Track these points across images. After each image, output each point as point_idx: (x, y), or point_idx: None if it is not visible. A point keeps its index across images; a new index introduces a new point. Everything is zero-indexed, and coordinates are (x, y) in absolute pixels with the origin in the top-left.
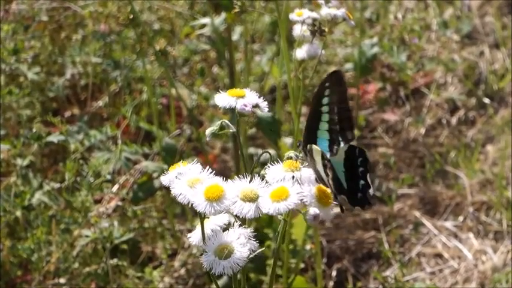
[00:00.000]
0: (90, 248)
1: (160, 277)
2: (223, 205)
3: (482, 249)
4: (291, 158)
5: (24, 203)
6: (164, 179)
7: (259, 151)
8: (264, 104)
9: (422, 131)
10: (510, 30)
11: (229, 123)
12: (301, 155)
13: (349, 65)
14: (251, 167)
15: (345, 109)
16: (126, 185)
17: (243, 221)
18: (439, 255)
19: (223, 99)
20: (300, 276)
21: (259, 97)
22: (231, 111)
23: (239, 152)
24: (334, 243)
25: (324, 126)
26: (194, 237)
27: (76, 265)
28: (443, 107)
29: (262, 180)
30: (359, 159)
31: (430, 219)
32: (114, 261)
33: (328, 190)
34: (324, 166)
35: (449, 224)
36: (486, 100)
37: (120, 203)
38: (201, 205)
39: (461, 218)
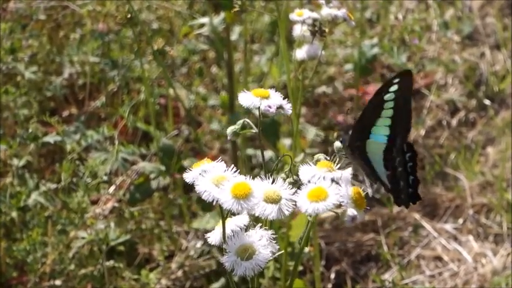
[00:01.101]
0: (86, 250)
1: (157, 279)
2: (250, 203)
3: (482, 252)
4: (320, 159)
5: (19, 203)
6: (188, 176)
7: (258, 152)
8: (288, 106)
9: (422, 132)
10: (511, 32)
11: (251, 123)
12: (340, 152)
13: (349, 66)
14: (272, 169)
15: (408, 107)
16: (123, 186)
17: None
18: (438, 258)
19: (247, 98)
20: (298, 279)
21: (283, 99)
22: (229, 111)
23: (246, 151)
24: (333, 245)
25: (383, 122)
26: (213, 237)
27: (72, 267)
28: (444, 108)
29: (284, 181)
30: (407, 155)
31: (430, 221)
32: (111, 263)
33: (363, 191)
34: (390, 160)
35: (449, 227)
36: (487, 101)
37: (116, 204)
38: (227, 202)
39: (461, 221)
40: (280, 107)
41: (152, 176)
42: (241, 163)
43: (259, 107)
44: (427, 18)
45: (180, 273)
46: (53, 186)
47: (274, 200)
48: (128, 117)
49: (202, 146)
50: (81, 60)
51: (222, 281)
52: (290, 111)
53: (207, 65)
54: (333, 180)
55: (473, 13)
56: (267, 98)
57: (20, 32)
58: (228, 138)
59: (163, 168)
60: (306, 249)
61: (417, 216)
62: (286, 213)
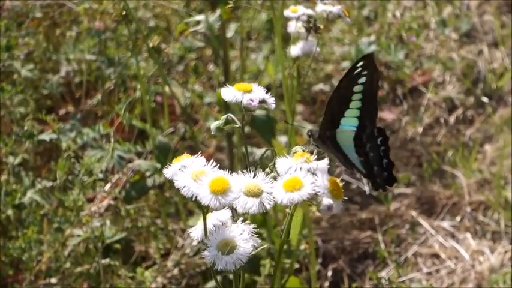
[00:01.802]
0: (82, 248)
1: (153, 277)
2: (228, 198)
3: (480, 250)
4: (297, 151)
5: (15, 201)
6: (167, 172)
7: (255, 150)
8: (271, 100)
9: (420, 130)
10: (509, 29)
11: (235, 118)
12: (312, 143)
13: (346, 63)
14: (247, 165)
15: (374, 95)
16: (119, 184)
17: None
18: (435, 256)
19: (229, 93)
20: (293, 277)
21: (266, 92)
22: (226, 108)
23: (238, 149)
24: (329, 243)
25: (352, 113)
26: (196, 232)
27: (68, 265)
28: (441, 105)
29: (266, 176)
30: (379, 139)
31: (427, 219)
32: (106, 261)
33: (340, 182)
34: (361, 147)
35: (446, 224)
36: (484, 99)
37: (112, 202)
38: (205, 198)
39: (458, 218)
40: (262, 101)
41: (148, 173)
42: (238, 161)
43: (241, 101)
44: (424, 16)
45: (176, 271)
46: (49, 184)
47: (256, 194)
48: (124, 115)
49: (199, 143)
50: (77, 58)
51: (218, 278)
52: (273, 105)
53: (203, 62)
54: (309, 170)
55: (471, 11)
56: (249, 92)
57: (16, 30)
58: (212, 133)
59: (159, 166)
60: (302, 247)
61: (414, 213)
62: (268, 206)
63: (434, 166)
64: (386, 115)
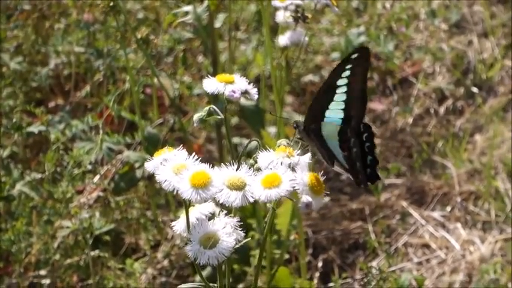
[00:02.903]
0: (71, 240)
1: (143, 268)
2: (209, 192)
3: (470, 240)
4: (281, 145)
5: (4, 193)
6: (148, 165)
7: (244, 141)
8: (253, 91)
9: (410, 120)
10: (499, 19)
11: (217, 110)
12: (297, 136)
13: (335, 54)
14: (236, 157)
15: (362, 88)
16: (108, 175)
17: (228, 211)
18: (426, 246)
19: (211, 84)
20: (283, 268)
21: (248, 83)
22: (215, 100)
23: (226, 140)
24: (320, 233)
25: (337, 105)
26: (178, 226)
27: (57, 257)
28: (431, 96)
29: (250, 168)
30: (364, 135)
31: (417, 209)
32: (96, 252)
33: (321, 177)
34: (345, 141)
35: (436, 214)
36: (474, 89)
37: (101, 194)
38: (186, 192)
39: (448, 208)
40: (245, 92)
41: (137, 165)
42: (228, 152)
43: (223, 93)
44: (414, 7)
45: (166, 262)
46: (38, 176)
47: (239, 187)
48: (113, 106)
49: (188, 135)
50: (66, 51)
51: (208, 269)
52: (256, 96)
53: (192, 54)
54: (289, 166)
55: (461, 1)
56: (231, 83)
57: (5, 23)
58: (195, 125)
59: (148, 157)
60: (292, 237)
61: (405, 204)
62: (251, 199)
63: (424, 156)
64: (376, 106)
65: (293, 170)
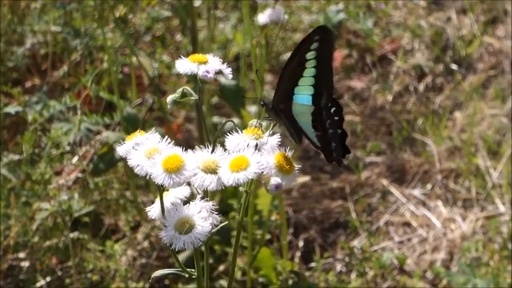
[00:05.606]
0: (50, 222)
1: (123, 250)
2: (182, 177)
3: (451, 218)
4: (253, 126)
5: None
6: (121, 150)
7: (224, 120)
8: (227, 71)
9: (390, 98)
10: None
11: (192, 91)
12: (265, 115)
13: None
14: (214, 137)
15: (329, 63)
16: (87, 156)
17: (206, 193)
18: (407, 224)
19: (184, 65)
20: (265, 248)
21: (222, 63)
22: (193, 79)
23: (203, 122)
24: (300, 213)
25: (306, 81)
26: (153, 211)
27: (36, 239)
28: (411, 73)
29: (225, 150)
30: (332, 109)
31: (398, 187)
32: (75, 234)
33: (291, 156)
34: (320, 122)
35: (417, 192)
36: (454, 66)
37: (80, 175)
38: (159, 177)
39: (429, 186)
40: (219, 72)
41: (116, 145)
42: (208, 131)
43: (197, 73)
44: None
45: (146, 243)
46: (16, 157)
47: (214, 170)
48: (91, 86)
49: (167, 114)
50: (43, 30)
51: (189, 251)
52: (230, 76)
53: (171, 32)
54: (256, 147)
55: None
56: (204, 63)
57: None
58: (168, 106)
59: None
60: (273, 218)
61: (385, 182)
62: (224, 182)
63: (404, 134)
64: (356, 83)
65: (259, 151)
